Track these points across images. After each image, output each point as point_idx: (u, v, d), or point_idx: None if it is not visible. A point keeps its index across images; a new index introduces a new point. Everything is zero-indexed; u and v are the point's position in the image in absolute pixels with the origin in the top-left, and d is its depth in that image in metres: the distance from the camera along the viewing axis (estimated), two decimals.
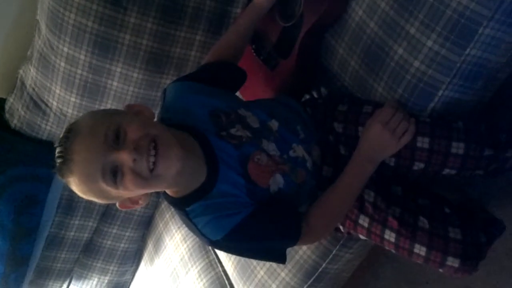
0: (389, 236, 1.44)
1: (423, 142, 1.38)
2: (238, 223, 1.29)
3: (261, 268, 1.89)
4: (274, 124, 1.48)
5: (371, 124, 1.43)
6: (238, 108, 1.44)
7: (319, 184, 1.51)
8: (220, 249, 1.57)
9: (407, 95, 1.43)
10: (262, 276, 1.88)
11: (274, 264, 1.84)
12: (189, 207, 1.31)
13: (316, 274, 1.78)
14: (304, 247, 1.77)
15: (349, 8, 1.54)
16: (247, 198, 1.33)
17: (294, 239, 1.41)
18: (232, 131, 1.38)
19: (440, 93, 1.38)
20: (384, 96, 1.48)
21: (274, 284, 1.85)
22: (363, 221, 1.49)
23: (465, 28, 1.28)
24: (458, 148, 1.35)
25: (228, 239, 1.30)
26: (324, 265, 1.76)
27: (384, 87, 1.48)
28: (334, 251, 1.73)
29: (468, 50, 1.30)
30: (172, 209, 2.07)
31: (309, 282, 1.80)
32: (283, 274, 1.83)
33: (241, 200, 1.33)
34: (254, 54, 1.76)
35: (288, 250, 1.76)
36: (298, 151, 1.47)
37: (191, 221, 1.32)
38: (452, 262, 1.37)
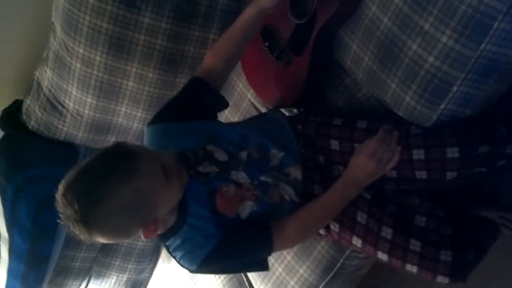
0: (382, 256, 1.52)
1: (418, 154, 1.43)
2: (208, 253, 1.41)
3: (279, 265, 1.89)
4: (242, 156, 1.55)
5: (359, 154, 1.49)
6: (207, 144, 1.53)
7: (305, 201, 1.55)
8: (202, 274, 1.71)
9: (421, 91, 1.42)
10: (280, 273, 1.89)
11: (292, 261, 1.85)
12: (167, 242, 1.45)
13: (335, 270, 1.79)
14: (323, 243, 1.78)
15: (363, 3, 1.54)
16: (215, 229, 1.43)
17: (267, 251, 1.51)
18: (200, 168, 1.48)
19: (454, 88, 1.37)
20: (397, 92, 1.48)
21: (292, 281, 1.86)
22: (356, 242, 1.55)
23: (480, 23, 1.27)
24: (453, 152, 1.39)
25: (203, 267, 1.44)
26: (341, 260, 1.77)
27: (397, 83, 1.48)
28: (350, 247, 1.74)
29: (483, 45, 1.29)
30: None
31: (327, 278, 1.81)
32: (301, 271, 1.83)
33: (210, 232, 1.43)
34: (268, 51, 1.77)
35: (306, 246, 1.79)
36: (268, 177, 1.54)
37: (171, 254, 1.47)
38: (442, 279, 1.45)
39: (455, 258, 1.43)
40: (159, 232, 1.43)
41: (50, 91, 2.13)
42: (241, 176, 1.52)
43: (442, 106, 1.41)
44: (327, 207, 1.52)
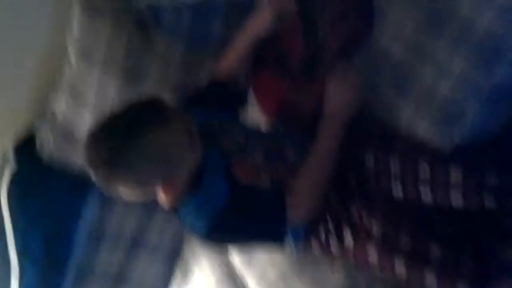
0: (399, 268, 1.47)
1: (424, 170, 1.43)
2: (218, 212, 1.41)
3: None
4: (260, 143, 1.61)
5: (328, 86, 1.56)
6: (224, 126, 1.61)
7: None
8: (213, 241, 1.63)
9: (435, 120, 1.43)
10: None
11: None
12: (179, 208, 1.48)
13: None
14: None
15: (375, 30, 1.55)
16: (228, 193, 1.44)
17: (281, 209, 1.48)
18: (217, 142, 1.55)
19: (469, 117, 1.37)
20: (411, 121, 1.48)
21: None
22: (372, 254, 1.51)
23: (493, 50, 1.28)
24: (457, 175, 1.38)
25: (213, 228, 1.43)
26: None
27: (411, 112, 1.48)
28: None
29: (496, 72, 1.29)
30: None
31: None
32: None
33: (222, 194, 1.44)
34: (279, 76, 1.77)
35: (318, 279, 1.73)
36: (282, 168, 1.57)
37: (182, 221, 1.49)
38: None
39: (476, 266, 1.40)
40: (175, 194, 1.46)
41: (64, 121, 2.14)
42: (258, 156, 1.55)
43: (457, 134, 1.40)
44: (322, 152, 1.54)
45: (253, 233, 1.54)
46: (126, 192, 1.38)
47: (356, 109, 1.54)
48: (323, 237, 1.59)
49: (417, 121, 1.47)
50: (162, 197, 1.47)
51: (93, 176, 1.35)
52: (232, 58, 1.76)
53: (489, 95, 1.33)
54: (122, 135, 1.30)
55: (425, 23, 1.41)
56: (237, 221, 1.47)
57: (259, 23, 1.67)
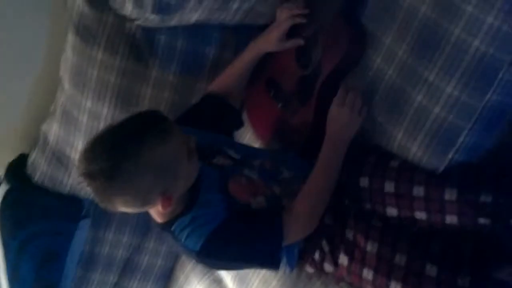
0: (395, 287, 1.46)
1: (418, 191, 1.44)
2: (214, 228, 1.41)
3: None
4: (255, 163, 1.61)
5: (330, 110, 1.57)
6: (221, 146, 1.63)
7: None
8: (207, 261, 1.59)
9: (427, 142, 1.43)
10: None
11: None
12: (173, 227, 1.44)
13: None
14: None
15: (366, 56, 1.57)
16: (225, 209, 1.45)
17: (277, 231, 1.47)
18: (214, 160, 1.56)
19: (461, 139, 1.38)
20: (403, 143, 1.49)
21: None
22: (367, 274, 1.50)
23: (485, 73, 1.29)
24: (451, 194, 1.39)
25: (208, 245, 1.41)
26: None
27: (403, 134, 1.48)
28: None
29: (488, 95, 1.31)
30: (193, 261, 2.09)
31: None
32: None
33: (219, 210, 1.45)
34: (273, 100, 1.79)
35: None
36: (277, 188, 1.57)
37: (176, 238, 1.45)
38: None
39: (472, 285, 1.39)
40: (171, 208, 1.41)
41: (56, 144, 2.14)
42: (255, 176, 1.56)
43: (449, 156, 1.41)
44: (323, 174, 1.55)
45: (248, 252, 1.52)
46: (122, 204, 1.35)
47: (355, 130, 1.57)
48: (317, 256, 1.59)
49: (409, 142, 1.47)
50: (158, 211, 1.45)
51: (89, 188, 1.33)
52: (231, 75, 1.79)
53: (481, 115, 1.34)
54: (121, 146, 1.28)
55: (417, 46, 1.42)
56: (232, 239, 1.46)
57: (266, 40, 1.70)
